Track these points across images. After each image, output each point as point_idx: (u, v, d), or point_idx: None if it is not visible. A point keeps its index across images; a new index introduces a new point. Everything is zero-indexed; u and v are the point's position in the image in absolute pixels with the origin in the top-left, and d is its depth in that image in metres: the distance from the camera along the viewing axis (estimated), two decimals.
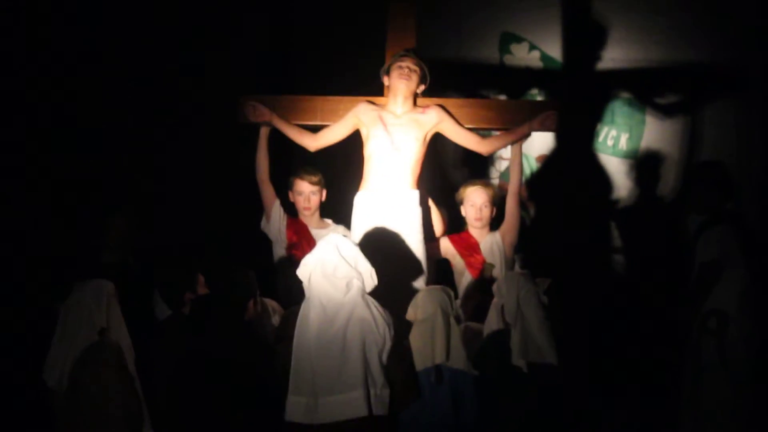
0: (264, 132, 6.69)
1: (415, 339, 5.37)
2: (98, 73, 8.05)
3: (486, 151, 6.79)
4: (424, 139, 6.50)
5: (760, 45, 8.35)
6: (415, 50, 6.56)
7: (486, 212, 6.70)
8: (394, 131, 6.43)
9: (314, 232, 6.76)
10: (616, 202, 8.49)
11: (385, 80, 6.59)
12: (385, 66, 6.57)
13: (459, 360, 5.35)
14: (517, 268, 6.73)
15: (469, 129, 6.65)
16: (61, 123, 7.88)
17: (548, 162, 8.49)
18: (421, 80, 6.52)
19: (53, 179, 7.71)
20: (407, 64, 6.46)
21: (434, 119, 6.52)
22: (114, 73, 8.10)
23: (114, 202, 7.01)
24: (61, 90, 7.88)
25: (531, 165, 8.45)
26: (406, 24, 6.72)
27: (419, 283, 6.25)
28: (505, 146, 6.87)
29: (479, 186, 6.76)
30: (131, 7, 8.16)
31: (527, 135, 6.64)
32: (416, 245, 6.35)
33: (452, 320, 5.44)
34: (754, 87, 8.36)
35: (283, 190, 6.85)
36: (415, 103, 6.57)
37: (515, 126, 6.61)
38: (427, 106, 6.56)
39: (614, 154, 8.52)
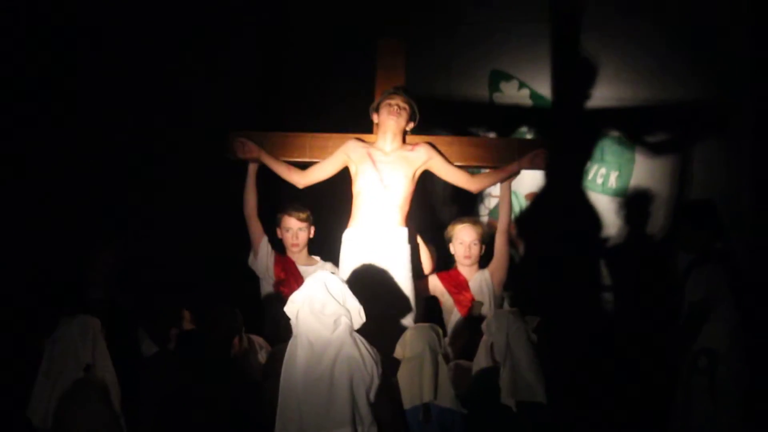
0: (252, 168, 6.72)
1: (403, 377, 5.43)
2: (79, 109, 8.08)
3: (475, 189, 6.82)
4: (413, 176, 6.54)
5: (750, 84, 8.40)
6: (404, 88, 6.60)
7: (475, 250, 6.73)
8: (383, 168, 6.47)
9: (302, 269, 6.77)
10: (606, 240, 8.51)
11: (375, 117, 6.63)
12: (375, 103, 6.61)
13: (447, 398, 5.41)
14: (506, 306, 6.75)
15: (459, 167, 6.68)
16: (52, 154, 7.89)
17: (537, 200, 8.51)
18: (411, 118, 6.56)
19: (40, 212, 7.71)
20: (397, 101, 6.51)
21: (423, 157, 6.56)
22: (92, 107, 8.12)
23: (101, 237, 6.99)
24: (50, 116, 7.91)
25: (520, 203, 8.50)
26: (395, 62, 6.77)
27: (407, 320, 6.27)
28: (494, 184, 6.92)
29: (468, 224, 6.79)
30: (112, 49, 8.20)
31: (516, 173, 6.68)
32: (405, 282, 6.37)
33: (440, 358, 5.49)
34: (743, 125, 8.39)
35: (271, 226, 6.86)
36: (404, 141, 6.61)
37: (504, 164, 6.66)
38: (416, 144, 6.60)
39: (604, 192, 8.56)
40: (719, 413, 6.02)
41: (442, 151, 6.67)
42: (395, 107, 6.51)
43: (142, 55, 8.20)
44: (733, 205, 8.18)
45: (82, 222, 7.59)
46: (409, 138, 6.66)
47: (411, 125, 6.62)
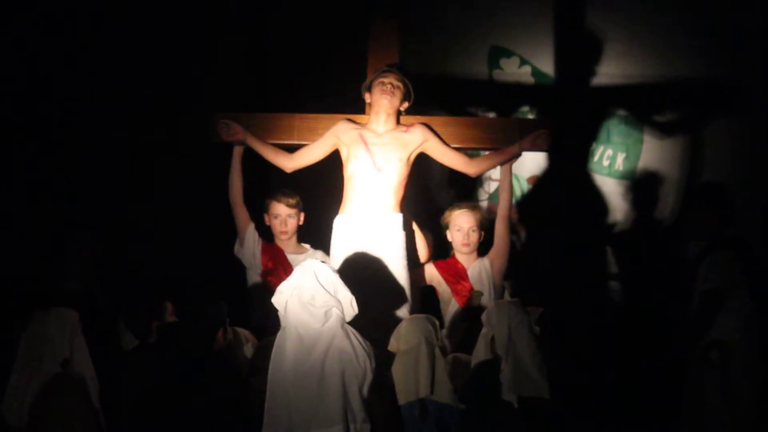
0: (237, 151, 6.72)
1: (398, 371, 5.42)
2: (66, 96, 8.09)
3: (474, 172, 6.81)
4: (408, 159, 6.53)
5: (762, 63, 8.43)
6: (399, 65, 6.60)
7: (474, 237, 6.74)
8: (375, 151, 6.46)
9: (291, 257, 6.79)
10: (613, 225, 8.53)
11: (367, 97, 6.63)
12: (367, 82, 6.61)
13: (444, 393, 5.38)
14: (507, 296, 6.75)
15: (456, 149, 6.67)
16: (31, 146, 7.93)
17: (540, 183, 8.53)
18: (405, 97, 6.56)
19: (17, 203, 7.79)
20: (390, 80, 6.49)
21: (419, 138, 6.54)
22: (82, 95, 8.13)
23: (79, 227, 7.01)
24: (24, 114, 7.95)
25: (522, 186, 8.50)
26: (389, 40, 6.77)
27: (402, 311, 6.26)
28: (494, 167, 6.91)
29: (466, 209, 6.80)
30: (103, 37, 8.22)
31: (518, 155, 6.66)
32: (399, 271, 6.36)
33: (437, 351, 5.47)
34: (757, 105, 8.42)
35: (259, 213, 6.87)
36: (398, 122, 6.61)
37: (505, 145, 6.64)
38: (411, 125, 6.59)
39: (610, 174, 8.57)
40: (732, 410, 6.04)
41: (439, 132, 6.66)
42: (389, 86, 6.50)
43: (120, 37, 8.23)
44: (747, 189, 8.20)
45: (57, 212, 7.61)
46: (403, 119, 6.66)
47: (405, 105, 6.60)
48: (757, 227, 7.99)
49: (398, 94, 6.50)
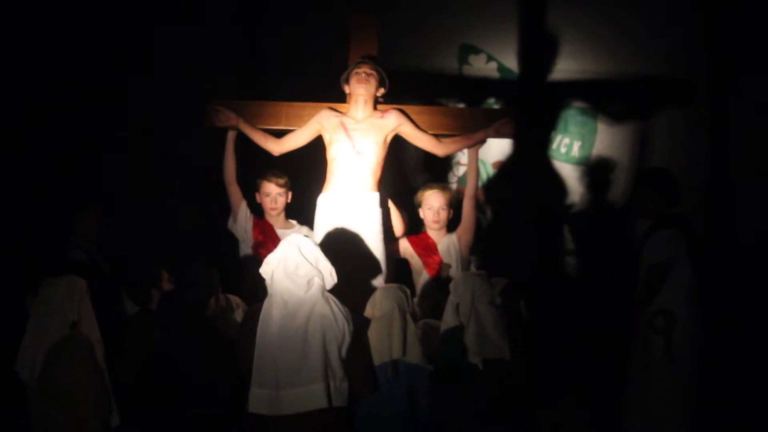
0: (231, 136, 6.68)
1: (373, 335, 5.42)
2: (69, 74, 7.99)
3: (442, 153, 6.78)
4: (384, 141, 6.51)
5: (707, 59, 8.42)
6: (372, 57, 6.58)
7: (443, 215, 6.72)
8: (355, 135, 6.44)
9: (280, 231, 6.75)
10: (570, 206, 8.53)
11: (346, 88, 6.60)
12: (345, 74, 6.57)
13: (415, 356, 5.39)
14: (473, 268, 6.71)
15: (427, 132, 6.65)
16: (36, 123, 7.85)
17: (504, 168, 8.50)
18: (380, 84, 6.54)
19: (25, 178, 7.71)
20: (364, 69, 6.48)
21: (393, 122, 6.53)
22: (83, 75, 8.03)
23: (84, 201, 6.98)
24: (37, 89, 7.84)
25: (487, 170, 8.48)
26: (367, 35, 6.72)
27: (378, 281, 6.25)
28: (460, 149, 6.91)
29: (437, 189, 6.78)
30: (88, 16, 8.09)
31: (483, 141, 6.67)
32: (376, 245, 6.36)
33: (408, 317, 5.48)
34: (700, 98, 8.41)
35: (250, 191, 6.85)
36: (375, 108, 6.59)
37: (472, 132, 6.63)
38: (386, 111, 6.57)
39: (567, 161, 8.55)
40: (675, 372, 6.03)
41: (414, 119, 6.63)
42: (363, 75, 6.49)
43: (117, 18, 8.14)
44: (691, 172, 8.18)
45: (63, 188, 7.55)
46: (380, 106, 6.63)
47: (381, 91, 6.58)
48: (698, 207, 7.98)
49: (373, 81, 6.48)
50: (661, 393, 6.02)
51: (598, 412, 6.63)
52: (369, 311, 5.52)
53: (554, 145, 8.55)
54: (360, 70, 6.48)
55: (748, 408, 7.17)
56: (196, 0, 8.32)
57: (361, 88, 6.48)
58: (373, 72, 6.49)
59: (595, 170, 8.50)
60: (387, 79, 6.56)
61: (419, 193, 6.84)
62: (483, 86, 8.53)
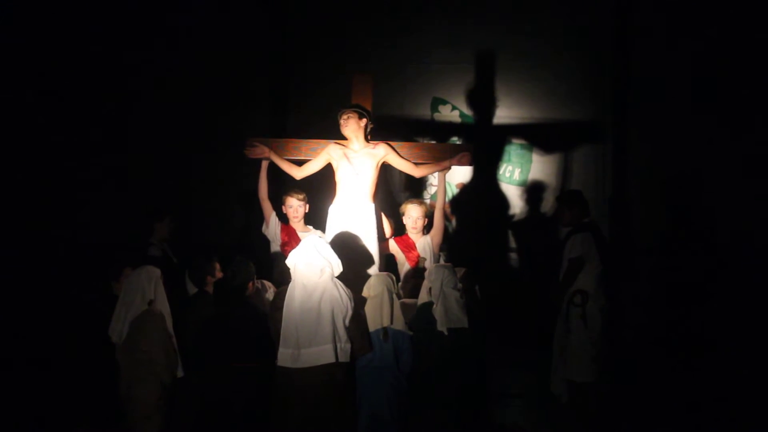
0: (264, 164, 6.59)
1: (368, 309, 5.43)
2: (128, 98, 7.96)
3: (419, 175, 6.69)
4: (377, 166, 6.42)
5: (612, 109, 8.43)
6: (352, 105, 6.44)
7: (420, 222, 6.66)
8: (355, 162, 6.36)
9: (300, 234, 6.65)
10: (512, 216, 8.52)
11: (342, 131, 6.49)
12: (339, 122, 6.43)
13: (399, 324, 5.41)
14: (442, 260, 6.66)
15: (407, 160, 6.56)
16: (134, 149, 7.91)
17: (464, 188, 8.48)
18: (360, 117, 6.37)
19: (115, 189, 7.75)
20: (344, 115, 6.35)
21: (383, 152, 6.43)
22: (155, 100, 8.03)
23: (159, 210, 6.88)
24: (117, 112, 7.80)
25: (452, 190, 8.44)
26: (365, 91, 6.61)
27: (372, 270, 6.21)
28: (432, 173, 6.77)
29: (416, 203, 6.73)
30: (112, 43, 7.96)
31: (449, 168, 6.57)
32: (371, 244, 6.31)
33: (394, 297, 5.49)
34: (607, 138, 8.42)
35: (278, 204, 6.78)
36: (368, 141, 6.46)
37: (441, 161, 6.55)
38: (377, 143, 6.46)
39: (510, 183, 8.53)
40: (588, 333, 6.08)
41: (398, 151, 6.51)
42: (343, 119, 6.36)
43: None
44: (599, 192, 8.26)
45: (142, 202, 7.47)
46: (372, 142, 6.50)
47: (364, 121, 6.42)
48: (602, 217, 7.97)
49: (352, 122, 6.34)
50: (578, 348, 6.08)
51: (535, 361, 6.69)
52: (365, 292, 5.52)
53: (501, 171, 8.53)
54: (341, 118, 6.36)
55: (635, 355, 7.41)
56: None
57: (345, 129, 6.36)
58: (352, 114, 6.35)
59: (530, 190, 8.49)
60: (366, 112, 6.42)
61: (402, 206, 6.78)
62: (448, 128, 8.52)
